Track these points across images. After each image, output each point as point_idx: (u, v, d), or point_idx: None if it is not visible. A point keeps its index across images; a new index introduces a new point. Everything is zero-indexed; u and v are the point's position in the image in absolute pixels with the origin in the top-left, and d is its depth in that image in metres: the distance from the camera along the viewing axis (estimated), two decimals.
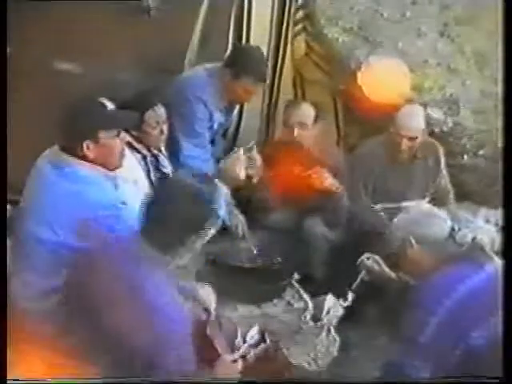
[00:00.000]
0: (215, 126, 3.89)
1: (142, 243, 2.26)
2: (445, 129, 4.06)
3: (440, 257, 2.56)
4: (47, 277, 2.58)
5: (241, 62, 3.73)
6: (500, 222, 2.59)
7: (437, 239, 2.59)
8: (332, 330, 3.25)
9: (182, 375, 2.23)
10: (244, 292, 3.57)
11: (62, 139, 2.75)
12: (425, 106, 3.96)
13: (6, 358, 2.11)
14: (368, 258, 3.15)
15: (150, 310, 2.19)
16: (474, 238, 2.54)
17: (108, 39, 3.96)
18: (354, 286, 3.18)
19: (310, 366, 3.16)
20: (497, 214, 2.78)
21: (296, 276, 3.57)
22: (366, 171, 3.76)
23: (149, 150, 3.45)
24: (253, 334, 2.69)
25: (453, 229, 2.59)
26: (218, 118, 3.86)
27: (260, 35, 4.24)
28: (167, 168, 3.52)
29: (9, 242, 2.61)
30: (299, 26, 4.39)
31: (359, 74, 3.98)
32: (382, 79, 3.82)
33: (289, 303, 3.59)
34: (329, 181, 3.75)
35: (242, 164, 3.08)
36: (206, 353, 2.53)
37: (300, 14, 4.38)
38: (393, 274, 3.07)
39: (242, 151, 3.14)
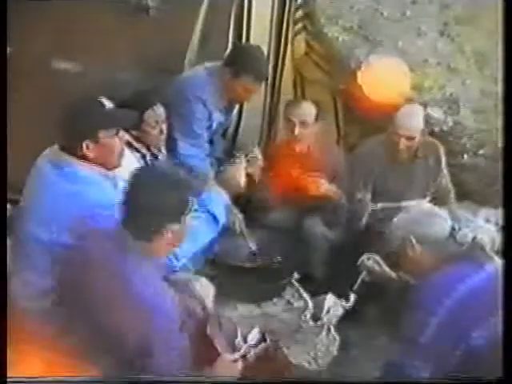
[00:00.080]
0: (214, 126, 3.88)
1: (126, 234, 2.27)
2: (445, 128, 4.06)
3: (440, 256, 2.56)
4: (46, 276, 2.58)
5: (241, 61, 3.73)
6: (500, 222, 2.59)
7: (437, 239, 2.59)
8: (332, 330, 3.25)
9: (175, 368, 2.24)
10: (244, 291, 3.58)
11: (61, 139, 2.75)
12: (425, 105, 3.95)
13: (6, 357, 2.11)
14: (368, 259, 3.16)
15: (138, 302, 2.19)
16: (474, 238, 2.54)
17: (108, 39, 3.95)
18: (356, 286, 3.18)
19: (310, 366, 3.15)
20: (497, 214, 2.79)
21: (296, 275, 3.57)
22: (366, 171, 3.76)
23: (148, 150, 3.45)
24: (254, 335, 2.69)
25: (453, 228, 2.59)
26: (218, 117, 3.86)
27: (260, 34, 4.23)
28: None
29: (9, 242, 2.61)
30: (299, 25, 4.38)
31: (359, 74, 3.97)
32: (382, 78, 3.82)
33: (289, 302, 3.59)
34: (325, 187, 3.75)
35: (243, 173, 3.09)
36: (206, 352, 2.54)
37: (300, 13, 4.37)
38: (393, 274, 3.07)
39: (243, 160, 3.15)
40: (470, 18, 4.26)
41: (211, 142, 3.97)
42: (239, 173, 3.07)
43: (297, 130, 3.80)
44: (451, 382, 2.43)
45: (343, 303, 3.24)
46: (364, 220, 3.70)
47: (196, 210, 2.81)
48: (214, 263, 3.51)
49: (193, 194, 2.33)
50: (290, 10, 4.34)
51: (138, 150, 3.37)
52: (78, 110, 2.75)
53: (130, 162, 3.00)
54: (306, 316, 3.30)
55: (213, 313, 2.81)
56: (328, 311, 3.26)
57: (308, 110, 3.82)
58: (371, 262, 3.16)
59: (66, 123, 2.73)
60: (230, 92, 3.82)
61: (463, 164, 4.11)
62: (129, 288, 2.20)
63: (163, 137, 3.50)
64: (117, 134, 2.78)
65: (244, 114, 4.30)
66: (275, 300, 3.60)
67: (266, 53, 4.10)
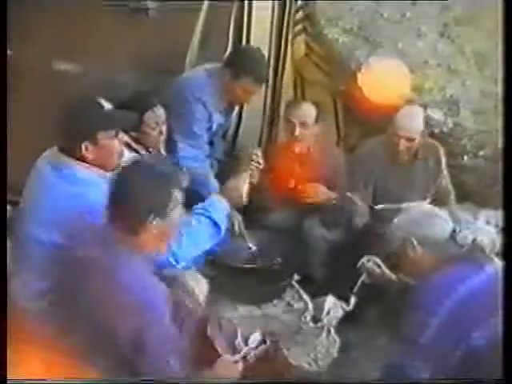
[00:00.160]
0: (214, 127, 3.88)
1: (113, 229, 2.27)
2: (445, 129, 4.06)
3: (440, 257, 2.56)
4: (47, 277, 2.57)
5: (240, 62, 3.73)
6: (500, 224, 2.59)
7: (438, 240, 2.59)
8: (332, 331, 3.25)
9: (170, 364, 2.24)
10: (244, 292, 3.57)
11: (60, 140, 2.75)
12: (425, 106, 3.95)
13: (6, 357, 2.11)
14: (368, 260, 3.15)
15: (128, 296, 2.19)
16: (474, 240, 2.54)
17: (108, 40, 3.96)
18: (356, 289, 3.18)
19: (310, 367, 3.16)
20: (497, 216, 2.78)
21: (296, 277, 3.57)
22: (366, 172, 3.75)
23: (148, 151, 3.45)
24: (255, 338, 2.69)
25: (454, 230, 2.59)
26: (218, 118, 3.86)
27: (260, 36, 4.24)
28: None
29: (9, 243, 2.61)
30: (299, 27, 4.39)
31: (359, 75, 3.97)
32: (382, 80, 3.82)
33: (289, 304, 3.59)
34: (323, 195, 3.75)
35: (246, 186, 3.12)
36: (206, 353, 2.54)
37: (300, 14, 4.38)
38: (393, 276, 3.07)
39: (248, 175, 3.17)
40: (470, 19, 4.25)
41: (211, 143, 3.97)
42: (242, 186, 3.09)
43: (297, 131, 3.79)
44: (451, 383, 2.43)
45: (343, 305, 3.25)
46: (358, 220, 3.68)
47: (198, 213, 2.86)
48: (213, 264, 3.50)
49: (176, 187, 2.33)
50: (290, 12, 4.34)
51: (137, 152, 3.37)
52: (77, 112, 2.75)
53: None
54: (306, 317, 3.30)
55: (205, 307, 2.81)
56: (328, 313, 3.26)
57: (308, 110, 3.82)
58: (371, 263, 3.16)
59: (64, 124, 2.73)
60: (230, 93, 3.82)
61: (463, 165, 4.11)
62: (118, 283, 2.20)
63: (162, 138, 3.50)
64: (116, 135, 2.78)
65: (244, 116, 4.31)
66: (275, 301, 3.61)
67: (266, 54, 4.11)
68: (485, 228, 2.62)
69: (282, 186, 3.88)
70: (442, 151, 3.76)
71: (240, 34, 4.24)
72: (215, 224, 2.85)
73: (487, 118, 4.04)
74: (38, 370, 2.13)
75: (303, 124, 3.79)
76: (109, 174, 2.70)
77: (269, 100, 4.37)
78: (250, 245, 3.64)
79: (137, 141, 3.40)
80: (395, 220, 2.77)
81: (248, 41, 4.26)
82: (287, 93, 4.41)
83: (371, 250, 3.25)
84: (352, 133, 4.44)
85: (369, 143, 3.87)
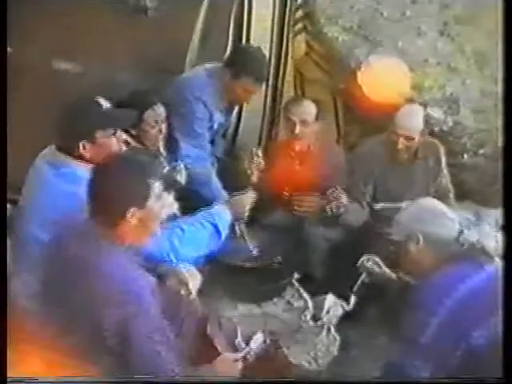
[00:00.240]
0: (215, 127, 3.89)
1: (93, 223, 2.28)
2: (445, 128, 4.06)
3: (442, 256, 2.56)
4: (41, 276, 2.57)
5: (241, 62, 3.73)
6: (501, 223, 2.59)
7: (444, 239, 2.57)
8: (332, 330, 3.25)
9: (160, 356, 2.23)
10: (244, 291, 3.58)
11: (58, 139, 2.76)
12: (425, 105, 3.95)
13: (6, 357, 2.11)
14: (368, 260, 3.15)
15: (112, 287, 2.19)
16: (478, 240, 2.54)
17: (108, 39, 3.96)
18: (355, 288, 3.18)
19: (310, 366, 3.16)
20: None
21: (296, 275, 3.57)
22: (366, 170, 3.76)
23: (147, 149, 3.44)
24: (257, 338, 2.69)
25: (460, 230, 2.59)
26: (218, 118, 3.86)
27: (260, 35, 4.24)
28: (166, 168, 3.52)
29: (9, 242, 2.61)
30: (299, 25, 4.39)
31: (359, 73, 3.97)
32: (382, 78, 3.82)
33: (289, 302, 3.59)
34: (317, 206, 3.73)
35: (249, 205, 3.19)
36: (207, 352, 2.54)
37: (300, 12, 4.38)
38: (393, 275, 3.07)
39: (253, 194, 3.21)
40: (470, 18, 4.25)
41: (212, 142, 3.97)
42: (247, 202, 3.18)
43: (297, 129, 3.79)
44: (451, 382, 2.43)
45: (343, 304, 3.25)
46: (351, 218, 3.67)
47: (203, 217, 2.88)
48: (214, 263, 3.50)
49: (153, 176, 2.32)
50: (290, 10, 4.34)
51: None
52: (75, 110, 2.76)
53: None
54: (306, 316, 3.30)
55: (203, 305, 2.81)
56: (328, 311, 3.26)
57: (308, 108, 3.81)
58: (371, 263, 3.16)
59: (63, 123, 2.74)
60: (230, 93, 3.82)
61: (463, 164, 4.11)
62: (101, 276, 2.20)
63: (162, 136, 3.50)
64: (114, 134, 2.78)
65: (244, 114, 4.31)
66: (275, 300, 3.61)
67: (266, 53, 4.11)
68: (489, 228, 2.62)
69: (282, 185, 3.88)
70: (442, 150, 3.76)
71: (240, 32, 4.24)
72: (217, 231, 2.89)
73: (487, 116, 4.04)
74: (38, 369, 2.13)
75: (303, 122, 3.79)
76: None
77: (269, 99, 4.37)
78: (251, 247, 3.64)
79: (136, 139, 3.40)
80: (401, 213, 2.76)
81: (248, 40, 4.26)
82: (288, 92, 4.42)
83: (371, 249, 3.25)
84: (352, 131, 4.44)
85: (369, 142, 3.87)
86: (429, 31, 4.26)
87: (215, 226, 2.91)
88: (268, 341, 2.75)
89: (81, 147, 2.68)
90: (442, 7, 4.33)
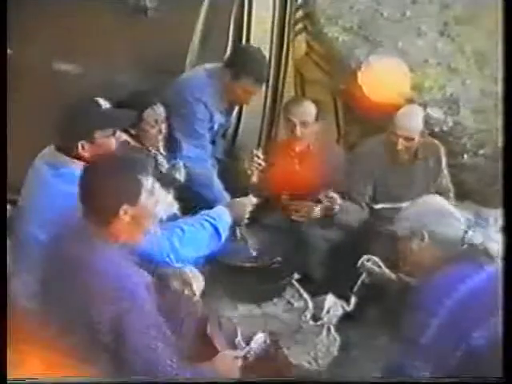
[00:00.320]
0: (215, 127, 3.89)
1: (86, 222, 2.29)
2: (445, 128, 4.05)
3: (444, 255, 2.55)
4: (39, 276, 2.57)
5: (241, 63, 3.73)
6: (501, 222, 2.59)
7: (449, 239, 2.56)
8: (332, 330, 3.25)
9: (155, 350, 2.23)
10: (244, 291, 3.58)
11: (57, 139, 2.76)
12: (425, 105, 3.95)
13: (6, 357, 2.11)
14: (368, 260, 3.15)
15: (106, 284, 2.20)
16: (482, 241, 2.53)
17: (108, 40, 3.96)
18: (356, 288, 3.18)
19: (310, 366, 3.16)
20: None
21: (296, 275, 3.57)
22: (365, 171, 3.76)
23: (147, 149, 3.44)
24: (258, 338, 2.68)
25: (465, 231, 2.58)
26: (219, 118, 3.86)
27: (260, 35, 4.24)
28: (165, 167, 3.53)
29: (9, 242, 2.61)
30: (299, 26, 4.38)
31: (359, 74, 3.97)
32: (382, 79, 3.82)
33: (289, 302, 3.59)
34: (315, 214, 3.72)
35: (249, 209, 3.19)
36: (207, 352, 2.54)
37: (300, 13, 4.37)
38: (393, 275, 3.06)
39: (254, 199, 3.22)
40: (470, 18, 4.24)
41: (213, 143, 3.97)
42: (248, 207, 3.18)
43: (298, 131, 3.79)
44: (452, 382, 2.43)
45: (344, 305, 3.25)
46: (346, 218, 3.67)
47: (204, 219, 2.88)
48: (214, 263, 3.50)
49: (143, 173, 2.32)
50: (290, 11, 4.34)
51: (136, 150, 3.37)
52: (74, 111, 2.77)
53: None
54: (306, 316, 3.31)
55: (204, 306, 2.81)
56: (328, 311, 3.26)
57: (308, 109, 3.82)
58: (371, 263, 3.15)
59: (62, 123, 2.75)
60: (230, 94, 3.82)
61: (463, 164, 4.10)
62: (96, 273, 2.21)
63: (161, 136, 3.50)
64: (113, 134, 2.78)
65: (244, 115, 4.31)
66: (275, 300, 3.61)
67: (266, 54, 4.11)
68: (491, 231, 2.61)
69: (282, 185, 3.88)
70: (442, 150, 3.76)
71: (240, 33, 4.24)
72: (217, 233, 2.90)
73: (487, 116, 4.03)
74: (38, 369, 2.13)
75: (304, 123, 3.79)
76: None
77: (269, 99, 4.36)
78: (250, 246, 3.64)
79: (136, 139, 3.40)
80: (408, 209, 2.75)
81: (248, 40, 4.26)
82: (289, 92, 4.42)
83: (371, 249, 3.25)
84: (352, 131, 4.44)
85: (369, 142, 3.87)
86: (429, 31, 4.25)
87: (215, 228, 2.92)
88: (268, 341, 2.75)
89: (80, 147, 2.69)
90: (442, 7, 4.32)
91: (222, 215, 2.98)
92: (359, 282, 3.17)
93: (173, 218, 3.14)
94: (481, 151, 4.09)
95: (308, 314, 3.33)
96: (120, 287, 2.21)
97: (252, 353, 2.64)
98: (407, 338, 2.50)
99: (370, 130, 4.05)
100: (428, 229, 2.58)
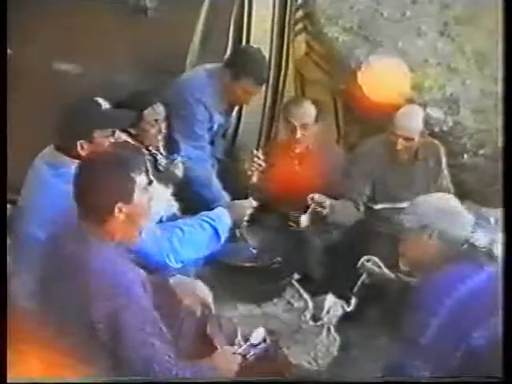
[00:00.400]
0: (215, 128, 3.89)
1: (82, 223, 2.29)
2: (445, 128, 4.05)
3: (447, 255, 2.54)
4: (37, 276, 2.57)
5: (241, 63, 3.73)
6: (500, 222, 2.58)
7: (456, 238, 2.55)
8: (332, 330, 3.25)
9: (152, 345, 2.24)
10: (244, 291, 3.58)
11: (57, 139, 2.76)
12: (425, 105, 3.95)
13: (6, 358, 2.11)
14: (368, 260, 3.14)
15: (102, 281, 2.20)
16: (488, 242, 2.52)
17: (108, 40, 3.96)
18: (356, 289, 3.18)
19: (310, 366, 3.16)
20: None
21: (296, 275, 3.57)
22: (365, 171, 3.76)
23: (147, 149, 3.44)
24: (258, 335, 2.68)
25: (472, 232, 2.57)
26: (218, 119, 3.86)
27: (260, 35, 4.24)
28: (164, 163, 3.53)
29: (9, 242, 2.61)
30: (299, 26, 4.38)
31: (359, 74, 3.97)
32: (382, 79, 3.82)
33: (289, 302, 3.60)
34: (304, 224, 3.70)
35: (248, 213, 3.20)
36: (207, 352, 2.53)
37: (300, 13, 4.37)
38: (393, 276, 3.06)
39: (254, 202, 3.23)
40: (470, 18, 4.24)
41: (212, 143, 3.97)
42: (247, 209, 3.20)
43: (298, 134, 3.78)
44: (452, 382, 2.43)
45: (344, 306, 3.25)
46: (336, 217, 3.66)
47: (204, 220, 2.89)
48: (214, 263, 3.51)
49: (135, 170, 2.33)
50: (290, 11, 4.34)
51: (135, 149, 3.37)
52: (74, 111, 2.77)
53: None
54: (306, 316, 3.31)
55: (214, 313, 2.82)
56: (328, 311, 3.26)
57: (308, 110, 3.80)
58: (371, 263, 3.15)
59: (62, 123, 2.75)
60: (230, 94, 3.82)
61: (463, 164, 4.10)
62: (92, 271, 2.21)
63: (161, 136, 3.49)
64: (113, 134, 2.78)
65: (244, 115, 4.31)
66: (275, 300, 3.61)
67: (266, 54, 4.11)
68: (491, 232, 2.60)
69: (282, 185, 3.87)
70: (442, 151, 3.76)
71: (240, 33, 4.24)
72: (217, 234, 2.90)
73: (487, 116, 4.03)
74: (38, 369, 2.13)
75: (304, 126, 3.77)
76: None
77: (269, 100, 4.37)
78: (251, 248, 3.64)
79: (135, 138, 3.40)
80: (419, 203, 2.70)
81: (248, 40, 4.26)
82: (289, 92, 4.42)
83: (371, 249, 3.25)
84: (352, 131, 4.44)
85: (368, 142, 3.87)
86: (429, 31, 4.25)
87: (215, 229, 2.92)
88: (268, 341, 2.75)
89: (79, 147, 2.69)
90: (442, 7, 4.32)
91: (222, 216, 2.99)
92: (359, 283, 3.16)
93: (173, 218, 3.16)
94: (481, 151, 4.09)
95: (308, 314, 3.32)
96: (116, 284, 2.21)
97: (252, 350, 2.63)
98: (407, 338, 2.50)
99: (369, 130, 4.05)
100: (436, 226, 2.56)
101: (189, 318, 2.66)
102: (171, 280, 2.73)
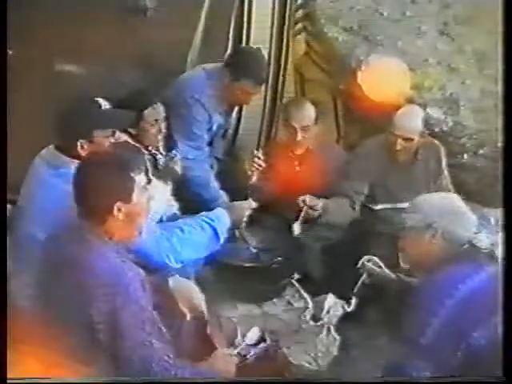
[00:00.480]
0: (214, 128, 3.88)
1: (82, 222, 2.30)
2: (445, 128, 4.06)
3: (446, 254, 2.54)
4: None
5: (240, 64, 3.73)
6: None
7: (459, 239, 2.55)
8: (332, 330, 3.25)
9: (152, 345, 2.24)
10: (244, 291, 3.57)
11: (57, 139, 2.76)
12: (425, 105, 3.95)
13: (6, 358, 2.11)
14: (368, 260, 3.14)
15: (101, 281, 2.21)
16: (490, 243, 2.52)
17: (108, 40, 3.96)
18: (356, 289, 3.18)
19: (310, 366, 3.15)
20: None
21: (296, 275, 3.57)
22: (364, 170, 3.75)
23: (146, 149, 3.44)
24: (252, 335, 2.69)
25: (475, 232, 2.57)
26: (218, 119, 3.86)
27: (260, 35, 4.24)
28: (163, 160, 3.53)
29: (9, 242, 2.61)
30: (299, 26, 4.39)
31: (359, 73, 3.97)
32: (382, 78, 3.82)
33: (289, 302, 3.59)
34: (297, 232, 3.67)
35: (247, 214, 3.22)
36: (207, 352, 2.53)
37: (300, 13, 4.38)
38: (393, 276, 3.06)
39: (253, 203, 3.24)
40: (470, 18, 4.25)
41: (211, 143, 3.97)
42: (246, 210, 3.21)
43: (299, 136, 3.77)
44: (452, 382, 2.43)
45: (344, 306, 3.24)
46: (329, 217, 3.66)
47: (203, 220, 2.88)
48: (214, 263, 3.51)
49: (135, 170, 2.33)
50: (290, 11, 4.34)
51: (135, 149, 3.36)
52: (74, 110, 2.76)
53: None
54: (306, 316, 3.31)
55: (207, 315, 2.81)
56: (328, 311, 3.26)
57: (308, 112, 3.78)
58: (371, 263, 3.15)
59: (62, 123, 2.75)
60: (230, 95, 3.82)
61: (463, 164, 4.10)
62: (91, 271, 2.22)
63: (161, 136, 3.49)
64: (113, 134, 2.78)
65: (244, 115, 4.31)
66: (275, 300, 3.60)
67: (266, 54, 4.11)
68: (491, 232, 2.60)
69: (282, 185, 3.87)
70: (442, 151, 3.76)
71: (240, 33, 4.24)
72: (216, 235, 2.91)
73: (487, 116, 4.03)
74: (38, 369, 2.13)
75: (304, 128, 3.76)
76: None
77: (269, 100, 4.37)
78: (250, 245, 3.64)
79: (135, 138, 3.39)
80: (423, 202, 2.68)
81: (248, 40, 4.25)
82: (288, 92, 4.42)
83: (371, 249, 3.25)
84: (352, 131, 4.44)
85: (368, 142, 3.87)
86: (429, 31, 4.26)
87: (214, 230, 2.93)
88: (268, 340, 2.75)
89: (79, 147, 2.69)
90: (442, 7, 4.33)
91: (221, 217, 2.99)
92: (360, 283, 3.16)
93: (173, 218, 3.16)
94: (481, 151, 4.10)
95: (308, 314, 3.32)
96: (115, 283, 2.22)
97: (252, 353, 2.64)
98: (407, 338, 2.50)
99: (369, 130, 4.05)
100: (440, 225, 2.55)
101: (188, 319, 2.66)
102: (170, 281, 2.73)
